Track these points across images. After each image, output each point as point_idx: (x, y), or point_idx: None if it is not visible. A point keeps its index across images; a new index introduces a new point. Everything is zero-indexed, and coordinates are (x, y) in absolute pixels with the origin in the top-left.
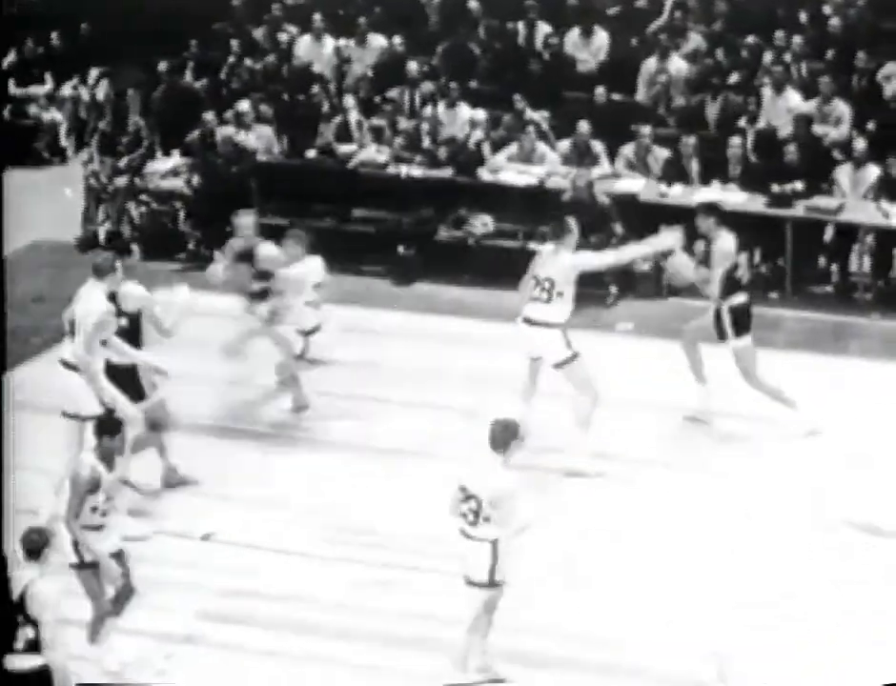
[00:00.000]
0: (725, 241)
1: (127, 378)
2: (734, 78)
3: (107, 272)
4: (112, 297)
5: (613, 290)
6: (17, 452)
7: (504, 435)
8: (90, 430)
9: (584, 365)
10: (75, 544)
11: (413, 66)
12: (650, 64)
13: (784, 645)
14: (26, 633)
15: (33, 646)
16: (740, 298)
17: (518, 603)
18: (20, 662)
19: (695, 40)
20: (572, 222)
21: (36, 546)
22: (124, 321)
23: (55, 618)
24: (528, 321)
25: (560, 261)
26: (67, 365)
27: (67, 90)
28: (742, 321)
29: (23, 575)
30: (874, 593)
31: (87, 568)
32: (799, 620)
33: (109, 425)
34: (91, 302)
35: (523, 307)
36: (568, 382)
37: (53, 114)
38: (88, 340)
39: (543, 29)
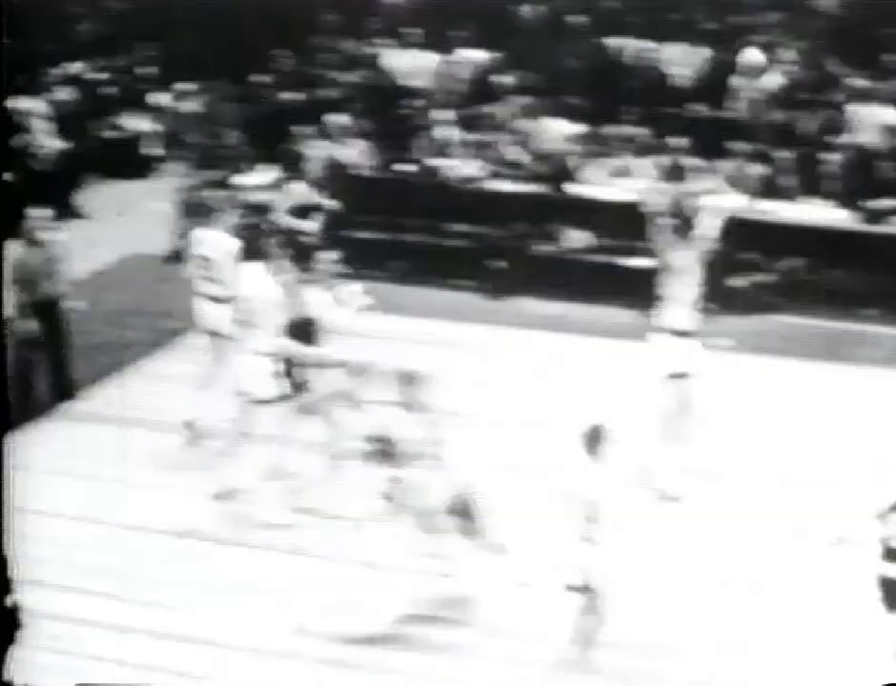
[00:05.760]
0: None
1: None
2: (826, 94)
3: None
4: None
5: (708, 306)
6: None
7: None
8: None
9: None
10: None
11: (507, 80)
12: (744, 79)
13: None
14: None
15: None
16: None
17: None
18: None
19: (789, 55)
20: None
21: None
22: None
23: None
24: None
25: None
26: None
27: (157, 102)
28: None
29: None
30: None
31: None
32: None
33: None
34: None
35: None
36: None
37: (144, 126)
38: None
39: (640, 44)
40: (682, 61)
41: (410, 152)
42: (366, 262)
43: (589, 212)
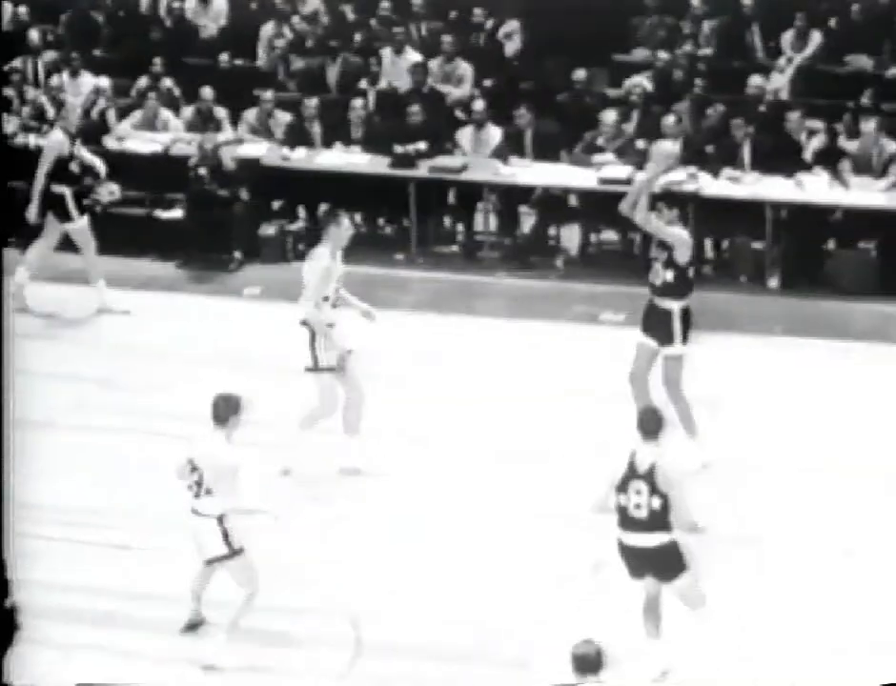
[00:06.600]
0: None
1: None
2: (355, 39)
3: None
4: None
5: (237, 255)
6: None
7: (226, 409)
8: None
9: None
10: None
11: (34, 35)
12: (268, 28)
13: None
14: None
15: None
16: (689, 301)
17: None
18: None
19: (313, 3)
20: None
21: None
22: None
23: None
24: None
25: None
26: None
27: None
28: (689, 328)
29: None
30: None
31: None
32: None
33: None
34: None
35: None
36: None
37: None
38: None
39: None
40: (208, 13)
41: None
42: None
43: (120, 165)
